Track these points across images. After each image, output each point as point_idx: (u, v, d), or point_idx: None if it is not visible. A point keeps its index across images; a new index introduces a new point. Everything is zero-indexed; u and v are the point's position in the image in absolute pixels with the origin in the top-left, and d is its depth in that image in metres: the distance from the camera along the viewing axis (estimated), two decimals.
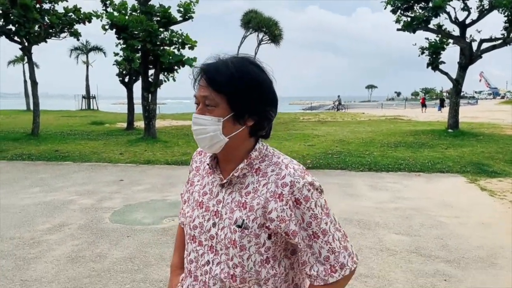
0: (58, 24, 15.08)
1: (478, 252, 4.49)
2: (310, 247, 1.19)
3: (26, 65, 16.65)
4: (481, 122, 20.80)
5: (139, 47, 13.94)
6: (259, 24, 35.42)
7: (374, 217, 5.78)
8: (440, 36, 16.18)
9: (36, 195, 6.99)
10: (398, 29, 16.11)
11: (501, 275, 3.94)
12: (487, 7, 14.75)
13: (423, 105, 39.52)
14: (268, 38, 36.39)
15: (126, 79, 18.92)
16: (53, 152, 11.39)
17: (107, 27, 13.97)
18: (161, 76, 14.97)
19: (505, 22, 14.78)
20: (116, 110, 39.67)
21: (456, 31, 15.51)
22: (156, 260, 4.29)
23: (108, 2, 14.83)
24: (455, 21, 15.37)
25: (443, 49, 16.39)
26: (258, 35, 36.53)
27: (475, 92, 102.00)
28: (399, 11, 15.88)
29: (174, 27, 14.87)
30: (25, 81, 42.09)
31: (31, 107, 16.18)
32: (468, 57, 14.96)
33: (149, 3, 14.51)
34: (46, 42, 15.32)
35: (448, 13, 15.31)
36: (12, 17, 13.91)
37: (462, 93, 17.24)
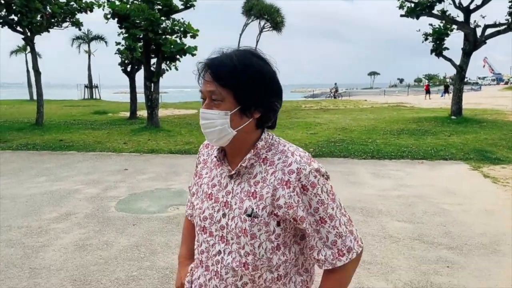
0: (60, 14, 15.03)
1: (481, 239, 4.53)
2: (318, 232, 1.23)
3: (29, 55, 16.60)
4: (484, 108, 20.73)
5: (141, 36, 13.90)
6: (260, 11, 35.16)
7: (377, 204, 5.82)
8: (444, 22, 16.04)
9: (42, 184, 7.06)
10: (401, 15, 15.97)
11: (504, 261, 3.99)
12: None
13: (427, 91, 39.30)
14: (270, 26, 36.16)
15: (128, 69, 18.88)
16: (58, 142, 11.45)
17: (109, 16, 13.91)
18: (163, 65, 14.95)
19: (510, 7, 14.64)
20: (118, 99, 39.70)
21: (460, 17, 15.37)
22: (162, 248, 4.36)
23: None
24: (459, 7, 15.21)
25: (447, 35, 16.27)
26: (259, 23, 36.30)
27: (479, 78, 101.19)
28: None
29: (176, 16, 14.81)
30: (27, 71, 42.06)
31: (34, 97, 16.24)
32: (472, 43, 14.85)
33: None
34: (48, 32, 15.28)
35: None
36: (14, 7, 13.87)
37: (465, 79, 17.15)
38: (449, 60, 15.97)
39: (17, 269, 3.89)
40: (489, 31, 15.01)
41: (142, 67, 15.39)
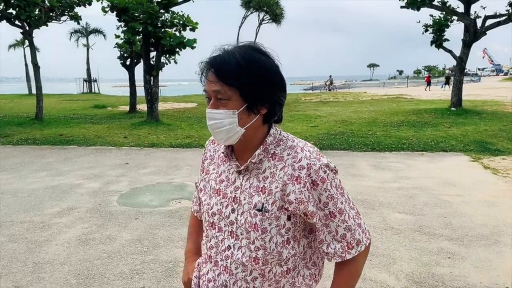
0: (59, 8, 14.94)
1: (482, 230, 4.56)
2: (327, 226, 1.24)
3: (27, 49, 16.54)
4: (484, 99, 20.72)
5: (140, 30, 13.83)
6: (260, 3, 35.00)
7: (378, 196, 5.84)
8: (444, 13, 15.96)
9: (43, 179, 7.08)
10: (402, 7, 15.88)
11: (505, 252, 4.01)
12: None
13: (428, 83, 39.23)
14: (269, 18, 36.00)
15: (128, 62, 18.81)
16: (58, 136, 11.45)
17: (107, 9, 13.83)
18: (163, 59, 14.90)
19: None
20: (117, 93, 39.62)
21: (460, 8, 15.32)
22: (164, 241, 4.38)
23: None
24: None
25: (447, 26, 16.20)
26: (259, 15, 36.15)
27: (478, 69, 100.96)
28: None
29: (175, 9, 14.73)
30: (26, 65, 41.92)
31: (33, 91, 16.19)
32: (473, 34, 14.80)
33: None
34: (47, 25, 15.20)
35: None
36: (12, 1, 13.77)
37: (465, 70, 17.12)
38: (449, 51, 15.93)
39: (20, 263, 3.91)
40: (489, 22, 14.96)
41: (142, 61, 15.33)
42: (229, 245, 1.28)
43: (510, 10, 14.49)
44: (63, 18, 15.73)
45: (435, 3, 15.45)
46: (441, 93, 28.71)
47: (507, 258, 3.88)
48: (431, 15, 16.48)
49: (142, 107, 18.07)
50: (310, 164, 1.21)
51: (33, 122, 14.34)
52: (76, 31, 46.26)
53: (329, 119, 14.10)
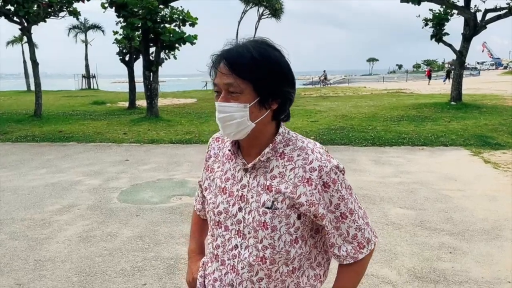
0: (57, 3, 14.86)
1: (483, 225, 4.56)
2: (338, 228, 1.24)
3: (25, 45, 16.44)
4: (484, 93, 20.68)
5: (139, 25, 13.76)
6: None
7: (379, 191, 5.84)
8: (444, 6, 15.90)
9: (43, 176, 7.07)
10: (402, 1, 15.80)
11: (506, 246, 4.01)
12: None
13: (429, 77, 39.19)
14: (268, 13, 35.87)
15: (127, 58, 18.74)
16: (57, 133, 11.42)
17: (106, 5, 13.76)
18: (162, 54, 14.84)
19: None
20: (116, 89, 39.50)
21: (460, 1, 15.25)
22: (165, 238, 4.38)
23: None
24: None
25: (447, 20, 16.14)
26: (258, 10, 36.01)
27: (478, 63, 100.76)
28: None
29: (174, 4, 14.66)
30: (24, 62, 41.75)
31: (32, 88, 16.13)
32: (473, 27, 14.74)
33: None
34: (45, 21, 15.12)
35: None
36: None
37: (464, 64, 17.07)
38: (449, 45, 15.89)
39: (22, 261, 3.91)
40: (489, 15, 14.90)
41: (141, 56, 15.27)
42: (236, 244, 1.27)
43: (511, 3, 14.43)
44: (62, 13, 15.66)
45: None
46: (441, 87, 28.67)
47: (509, 253, 3.88)
48: (430, 9, 16.42)
49: (141, 103, 18.03)
50: (322, 166, 1.21)
51: (32, 119, 14.30)
52: (74, 27, 46.06)
53: (329, 114, 14.07)
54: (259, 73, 1.16)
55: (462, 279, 3.44)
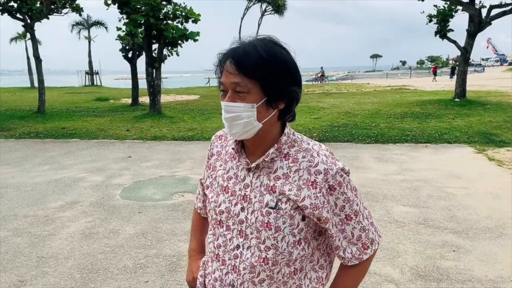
0: (60, 0, 14.85)
1: (487, 223, 4.53)
2: (342, 231, 1.23)
3: (29, 42, 16.45)
4: (488, 90, 20.56)
5: (142, 22, 13.74)
6: None
7: (382, 189, 5.82)
8: (448, 2, 15.79)
9: (46, 173, 7.08)
10: None
11: (510, 245, 3.99)
12: None
13: (434, 73, 38.98)
14: (271, 9, 35.76)
15: (130, 55, 18.73)
16: (60, 130, 11.45)
17: (109, 1, 13.73)
18: (165, 51, 14.82)
19: None
20: (119, 86, 39.54)
21: None
22: (168, 235, 4.38)
23: None
24: None
25: (452, 16, 16.03)
26: (261, 6, 35.91)
27: (482, 59, 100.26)
28: None
29: (177, 0, 14.62)
30: (28, 58, 41.84)
31: (35, 84, 16.13)
32: (477, 24, 14.63)
33: None
34: (48, 18, 15.12)
35: None
36: None
37: (469, 61, 16.98)
38: (454, 42, 15.77)
39: (24, 258, 3.91)
40: (494, 11, 14.78)
41: (144, 53, 15.26)
42: (238, 245, 1.26)
43: None
44: (65, 10, 15.64)
45: None
46: (445, 83, 28.54)
47: None
48: (435, 5, 16.31)
49: (145, 99, 18.02)
50: (327, 169, 1.19)
51: (35, 116, 14.34)
52: (77, 24, 46.07)
53: (332, 110, 14.03)
54: (266, 73, 1.14)
55: (465, 277, 3.42)
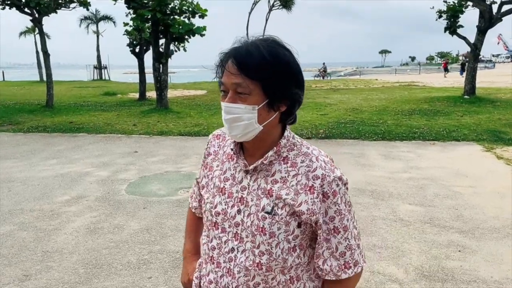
0: None
1: (494, 223, 4.48)
2: (327, 241, 1.20)
3: (37, 36, 16.57)
4: (498, 87, 20.30)
5: (149, 17, 13.74)
6: None
7: (388, 187, 5.78)
8: None
9: (53, 167, 7.12)
10: None
11: None
12: None
13: (445, 69, 38.54)
14: (279, 4, 35.58)
15: (137, 50, 18.77)
16: (68, 124, 11.51)
17: None
18: (172, 46, 14.82)
19: None
20: (127, 80, 39.68)
21: None
22: (172, 231, 4.38)
23: None
24: None
25: (462, 12, 15.83)
26: (269, 1, 35.72)
27: (493, 55, 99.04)
28: None
29: None
30: (37, 52, 42.09)
31: (44, 78, 16.23)
32: (488, 20, 14.43)
33: None
34: (56, 12, 15.19)
35: None
36: None
37: (479, 57, 16.78)
38: (464, 38, 15.59)
39: (30, 252, 3.94)
40: (506, 7, 14.56)
41: (151, 48, 15.27)
42: (232, 247, 1.23)
43: None
44: (72, 5, 15.70)
45: None
46: (454, 80, 28.24)
47: None
48: (445, 1, 16.11)
49: (152, 94, 18.06)
50: (325, 175, 1.17)
51: (44, 110, 14.44)
52: (86, 18, 46.23)
53: (339, 107, 13.95)
54: (269, 74, 1.11)
55: (471, 278, 3.38)
